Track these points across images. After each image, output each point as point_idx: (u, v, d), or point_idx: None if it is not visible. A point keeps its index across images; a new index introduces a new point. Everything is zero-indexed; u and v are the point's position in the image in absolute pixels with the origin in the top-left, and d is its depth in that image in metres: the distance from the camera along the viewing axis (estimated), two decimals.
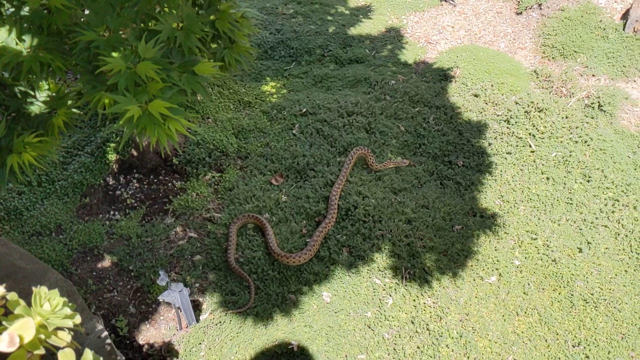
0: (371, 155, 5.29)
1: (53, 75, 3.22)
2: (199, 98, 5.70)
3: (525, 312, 4.11)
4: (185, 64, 3.09)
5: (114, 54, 2.93)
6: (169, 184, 5.13)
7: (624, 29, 6.32)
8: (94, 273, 4.51)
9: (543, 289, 4.25)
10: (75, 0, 3.08)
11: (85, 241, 4.68)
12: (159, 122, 2.85)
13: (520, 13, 7.18)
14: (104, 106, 2.98)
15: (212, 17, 3.37)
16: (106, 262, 4.57)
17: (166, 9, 3.16)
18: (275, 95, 6.14)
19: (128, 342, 4.15)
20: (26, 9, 3.02)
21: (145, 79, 2.88)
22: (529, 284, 4.27)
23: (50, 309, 2.01)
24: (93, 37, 2.96)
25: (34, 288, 2.08)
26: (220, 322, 4.15)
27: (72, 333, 2.11)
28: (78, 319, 2.08)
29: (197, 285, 4.38)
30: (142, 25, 3.16)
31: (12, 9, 3.03)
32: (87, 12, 3.13)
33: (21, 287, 3.48)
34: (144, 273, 4.46)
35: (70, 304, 2.08)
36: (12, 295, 1.86)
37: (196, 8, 3.36)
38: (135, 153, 5.17)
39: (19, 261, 3.70)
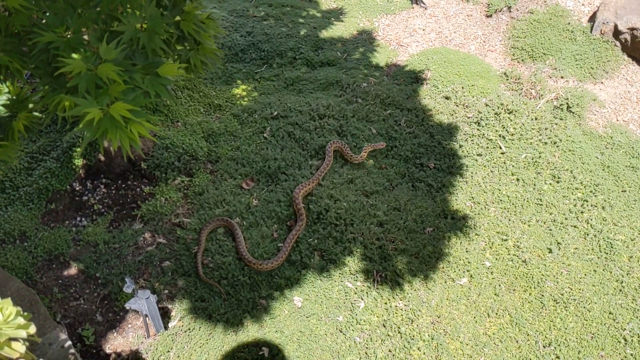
0: (347, 148, 5.29)
1: (12, 77, 3.13)
2: (168, 102, 5.63)
3: (497, 314, 4.12)
4: (148, 66, 3.01)
5: (74, 55, 2.85)
6: (137, 189, 5.04)
7: (591, 32, 6.40)
8: (60, 281, 4.40)
9: (514, 290, 4.26)
10: (34, 1, 3.00)
11: (51, 248, 4.57)
12: (120, 125, 2.78)
13: (490, 16, 7.24)
14: (65, 109, 2.90)
15: (176, 18, 3.30)
16: (72, 270, 4.46)
17: (129, 10, 3.09)
18: (246, 99, 6.08)
19: (94, 351, 4.05)
20: None
21: (107, 81, 2.80)
22: (499, 285, 4.27)
23: (3, 319, 1.93)
24: (52, 38, 2.88)
25: None
26: (189, 329, 4.08)
27: (27, 344, 2.03)
28: (32, 329, 2.00)
29: (166, 291, 4.30)
30: (104, 26, 3.09)
31: None
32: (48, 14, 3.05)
33: None
34: (112, 280, 4.37)
35: (25, 314, 2.01)
36: None
37: (160, 9, 3.29)
38: (102, 158, 5.06)
39: None
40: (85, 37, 3.02)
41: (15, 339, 1.95)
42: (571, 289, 4.24)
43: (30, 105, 3.47)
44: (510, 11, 7.08)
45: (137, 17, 3.04)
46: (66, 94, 2.88)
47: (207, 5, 3.60)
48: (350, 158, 5.27)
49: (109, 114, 2.77)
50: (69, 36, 2.92)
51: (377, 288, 4.24)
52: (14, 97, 3.47)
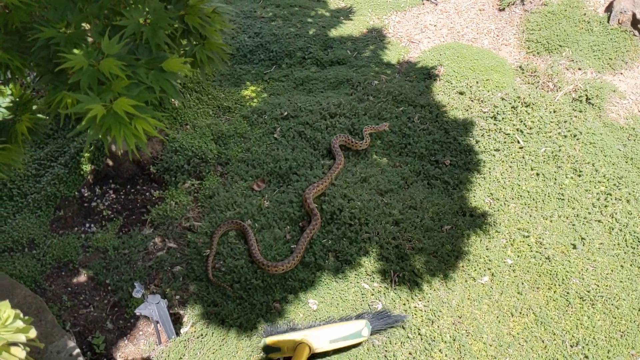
0: (350, 139, 5.23)
1: (12, 76, 3.04)
2: (176, 104, 5.53)
3: (520, 313, 3.95)
4: (152, 61, 2.91)
5: (76, 51, 2.74)
6: (147, 194, 4.94)
7: (608, 22, 6.23)
8: (69, 288, 4.30)
9: (537, 288, 4.09)
10: None
11: (60, 256, 4.47)
12: (124, 121, 2.67)
13: (503, 9, 7.09)
14: (67, 106, 2.80)
15: (181, 12, 3.20)
16: (82, 277, 4.36)
17: (132, 4, 2.99)
18: (255, 100, 5.98)
19: (105, 359, 3.94)
20: None
21: (110, 77, 2.70)
22: (522, 283, 4.11)
23: (0, 323, 1.82)
24: (52, 34, 2.78)
25: None
26: (202, 335, 3.95)
27: (27, 349, 1.91)
28: (33, 333, 1.88)
29: (177, 297, 4.18)
30: (106, 21, 2.99)
31: None
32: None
33: None
34: (122, 287, 4.26)
35: (26, 317, 1.89)
36: None
37: (164, 3, 3.19)
38: (110, 163, 4.97)
39: None
40: (89, 34, 2.93)
41: (15, 344, 1.84)
42: (598, 286, 4.07)
43: (34, 107, 3.39)
44: (523, 4, 6.92)
45: (140, 10, 2.94)
46: (68, 90, 2.78)
47: (213, 0, 3.49)
48: (355, 145, 5.21)
49: (112, 110, 2.66)
50: (69, 31, 2.82)
51: (395, 289, 4.10)
52: (17, 100, 3.39)
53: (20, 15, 2.84)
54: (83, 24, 2.93)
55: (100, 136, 2.69)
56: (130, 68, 2.76)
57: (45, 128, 3.48)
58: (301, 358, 3.56)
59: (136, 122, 2.70)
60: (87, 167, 5.01)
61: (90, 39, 2.90)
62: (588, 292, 4.03)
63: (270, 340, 3.72)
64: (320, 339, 3.67)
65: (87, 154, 5.02)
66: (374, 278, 4.16)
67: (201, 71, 3.56)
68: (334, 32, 6.99)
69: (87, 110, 2.59)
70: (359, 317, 3.86)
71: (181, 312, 4.12)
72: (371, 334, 3.76)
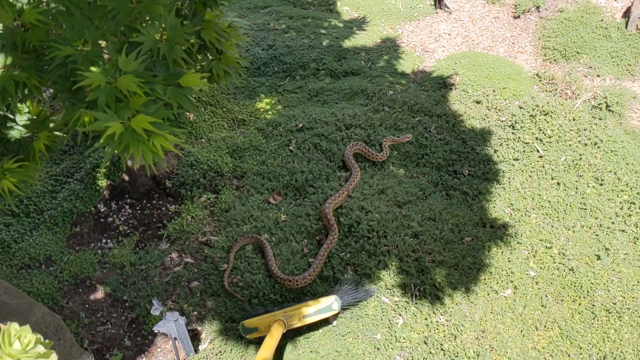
0: (368, 149, 5.19)
1: (30, 95, 3.03)
2: (191, 118, 5.52)
3: (545, 326, 3.86)
4: (170, 77, 2.88)
5: (93, 68, 2.72)
6: (163, 208, 4.91)
7: (626, 27, 6.15)
8: (87, 305, 4.27)
9: (562, 301, 4.00)
10: (51, 15, 2.90)
11: (77, 272, 4.45)
12: (142, 138, 2.64)
13: (518, 17, 7.02)
14: (84, 124, 2.78)
15: (197, 28, 3.18)
16: (99, 293, 4.33)
17: (148, 20, 2.97)
18: (270, 112, 5.95)
19: None
20: None
21: (127, 94, 2.67)
22: (546, 296, 4.02)
23: (21, 348, 1.79)
24: (70, 52, 2.76)
25: (2, 325, 1.87)
26: (220, 352, 3.90)
27: None
28: (54, 358, 1.85)
29: (195, 313, 4.14)
30: (123, 38, 2.97)
31: None
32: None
33: (4, 323, 3.25)
34: (139, 303, 4.22)
35: (46, 341, 1.86)
36: None
37: (180, 18, 3.17)
38: (126, 178, 4.95)
39: (3, 296, 3.47)
40: (105, 51, 2.91)
41: None
42: (624, 298, 3.97)
43: (51, 125, 3.37)
44: (539, 11, 6.86)
45: (157, 27, 2.92)
46: (86, 108, 2.76)
47: (228, 14, 3.48)
48: (374, 157, 5.17)
49: (130, 128, 2.63)
50: (87, 49, 2.81)
51: (416, 303, 4.03)
52: (34, 117, 3.37)
53: (37, 34, 2.83)
54: (100, 41, 2.91)
55: (119, 156, 2.67)
56: (148, 85, 2.73)
57: (62, 145, 3.47)
58: (276, 334, 3.72)
59: (154, 139, 2.67)
60: (103, 183, 4.99)
61: (106, 56, 2.89)
62: (614, 304, 3.93)
63: (247, 322, 3.86)
64: (293, 316, 3.85)
65: (103, 170, 5.01)
66: (394, 292, 4.10)
67: (217, 85, 3.54)
68: (347, 43, 6.97)
69: (106, 128, 2.57)
70: (329, 294, 4.01)
71: (199, 328, 4.07)
72: (342, 308, 3.93)
